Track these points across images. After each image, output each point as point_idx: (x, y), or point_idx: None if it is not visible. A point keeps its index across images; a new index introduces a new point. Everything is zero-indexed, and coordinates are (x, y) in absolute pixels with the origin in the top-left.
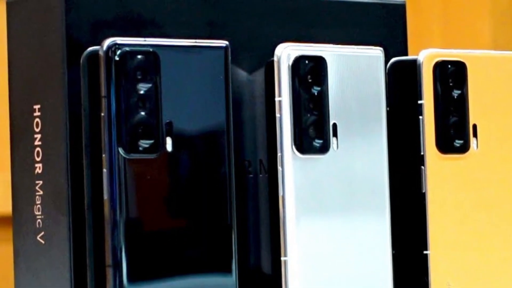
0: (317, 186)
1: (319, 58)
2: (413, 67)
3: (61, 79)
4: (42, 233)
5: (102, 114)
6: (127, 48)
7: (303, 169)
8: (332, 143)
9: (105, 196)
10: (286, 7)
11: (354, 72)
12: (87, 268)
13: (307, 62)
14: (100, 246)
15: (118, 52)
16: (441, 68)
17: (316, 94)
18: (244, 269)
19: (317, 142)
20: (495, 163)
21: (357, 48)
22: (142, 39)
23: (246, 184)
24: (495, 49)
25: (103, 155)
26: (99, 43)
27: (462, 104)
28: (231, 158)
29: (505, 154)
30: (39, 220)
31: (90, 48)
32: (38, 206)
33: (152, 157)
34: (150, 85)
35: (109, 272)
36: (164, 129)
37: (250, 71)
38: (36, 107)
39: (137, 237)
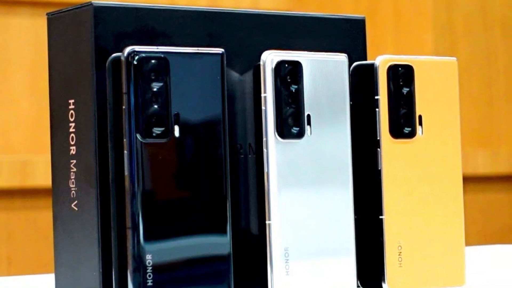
0: (294, 164)
1: (296, 62)
2: (371, 69)
3: (91, 79)
4: (76, 202)
5: (123, 107)
6: (143, 54)
7: (283, 151)
8: (307, 130)
9: (126, 173)
10: (270, 22)
11: (324, 74)
12: (111, 229)
13: (286, 65)
14: (121, 212)
15: (136, 57)
16: (393, 70)
17: (294, 91)
18: (236, 230)
19: (295, 130)
20: (436, 146)
21: (326, 55)
22: (155, 47)
23: (238, 163)
24: (436, 55)
25: (124, 140)
26: (121, 50)
27: (410, 99)
28: (226, 142)
29: (444, 139)
30: (73, 192)
31: (114, 55)
32: (72, 180)
33: (163, 141)
34: (161, 84)
35: (129, 233)
36: (172, 119)
37: (241, 72)
38: (71, 101)
39: (151, 205)
